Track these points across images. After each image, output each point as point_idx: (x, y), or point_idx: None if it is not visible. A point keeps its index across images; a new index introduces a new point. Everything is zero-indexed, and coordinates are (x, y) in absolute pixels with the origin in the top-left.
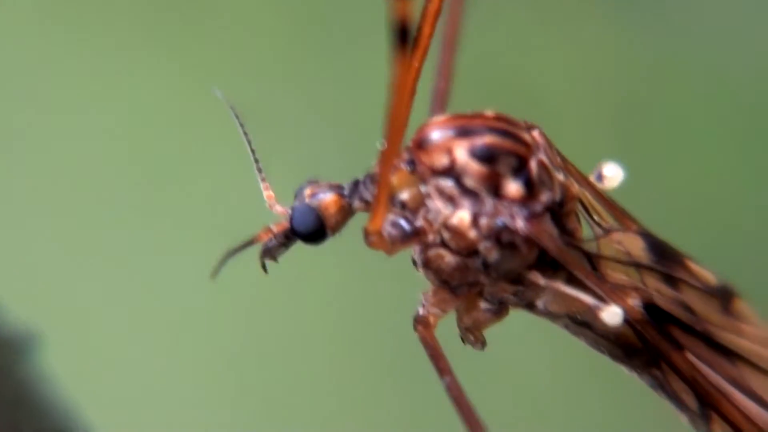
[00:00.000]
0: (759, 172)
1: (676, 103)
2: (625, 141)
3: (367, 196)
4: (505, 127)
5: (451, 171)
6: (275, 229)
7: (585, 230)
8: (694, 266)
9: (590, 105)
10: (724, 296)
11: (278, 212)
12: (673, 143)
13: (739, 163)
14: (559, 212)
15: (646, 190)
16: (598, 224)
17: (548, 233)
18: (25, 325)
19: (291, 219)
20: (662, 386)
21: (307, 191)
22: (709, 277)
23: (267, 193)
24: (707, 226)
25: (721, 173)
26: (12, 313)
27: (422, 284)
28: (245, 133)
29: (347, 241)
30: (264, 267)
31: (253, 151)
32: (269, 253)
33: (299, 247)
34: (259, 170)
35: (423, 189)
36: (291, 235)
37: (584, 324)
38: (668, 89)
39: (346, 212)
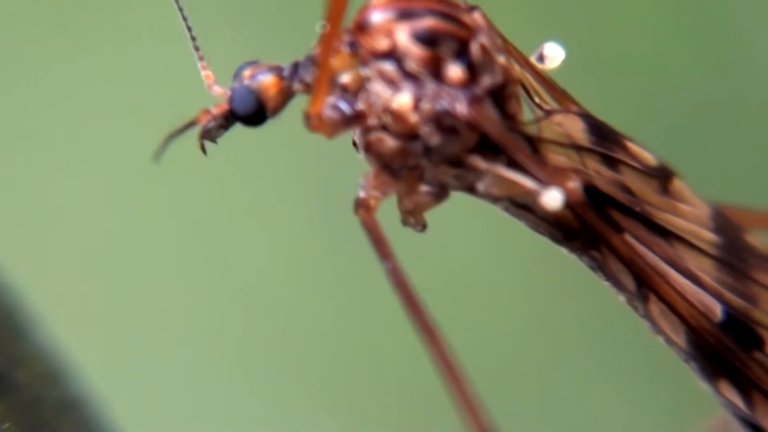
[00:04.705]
0: (699, 48)
1: None
2: (566, 20)
3: (308, 78)
4: (446, 9)
5: (393, 54)
6: (214, 110)
7: (525, 112)
8: (633, 147)
9: None
10: (662, 176)
11: (217, 93)
12: (614, 23)
13: (678, 39)
14: (500, 95)
15: (586, 70)
16: (539, 106)
17: (489, 117)
18: None
19: (230, 101)
20: (601, 268)
21: (247, 73)
22: (648, 157)
23: (205, 74)
24: (647, 104)
25: (660, 50)
26: None
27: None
28: (181, 9)
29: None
30: (203, 149)
31: (189, 29)
32: (209, 134)
33: None
34: (197, 49)
35: (364, 72)
36: (230, 117)
37: (525, 207)
38: None
39: (286, 94)
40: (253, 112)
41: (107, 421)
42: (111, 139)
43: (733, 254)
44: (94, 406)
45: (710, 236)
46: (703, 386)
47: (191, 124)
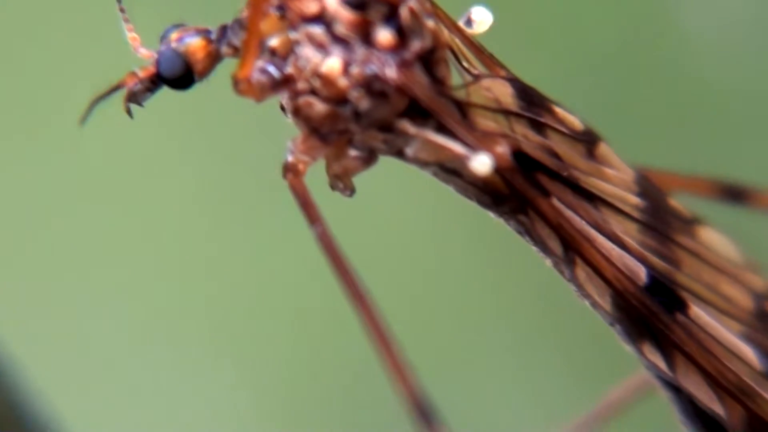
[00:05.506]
0: (629, 12)
1: None
2: None
3: (236, 41)
4: None
5: (322, 18)
6: (141, 73)
7: (454, 77)
8: (560, 111)
9: None
10: (588, 141)
11: (143, 56)
12: None
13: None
14: (429, 60)
15: (515, 34)
16: (468, 71)
17: (418, 81)
18: None
19: (157, 64)
20: (528, 232)
21: (174, 35)
22: (575, 122)
23: (131, 35)
24: (575, 68)
25: (591, 14)
26: None
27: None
28: None
29: None
30: (129, 112)
31: None
32: (135, 97)
33: None
34: (122, 11)
35: (293, 35)
36: (157, 80)
37: (453, 172)
38: None
39: (213, 58)
40: (180, 76)
41: (30, 389)
42: (35, 102)
43: (657, 218)
44: (16, 375)
45: (635, 200)
46: (627, 348)
47: (117, 87)
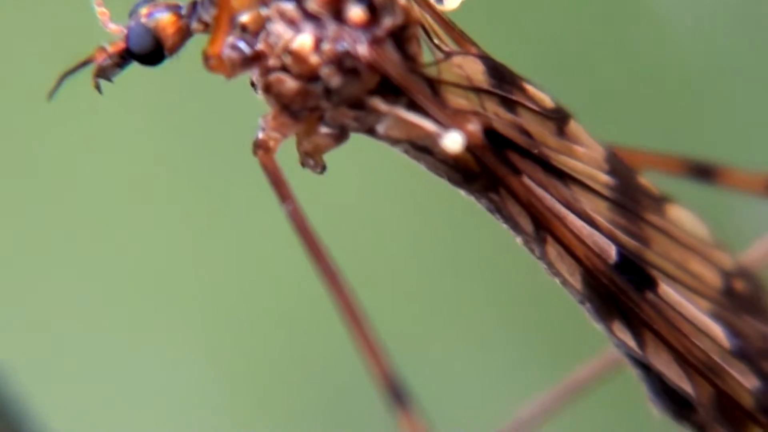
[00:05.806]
0: None
1: None
2: None
3: (206, 17)
4: None
5: None
6: (110, 49)
7: (426, 54)
8: (530, 89)
9: None
10: (558, 118)
11: (112, 31)
12: None
13: None
14: (400, 37)
15: (486, 10)
16: (439, 48)
17: (390, 59)
18: None
19: (127, 39)
20: (499, 210)
21: (143, 10)
22: (545, 99)
23: (100, 10)
24: (547, 47)
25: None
26: None
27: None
28: None
29: None
30: (98, 88)
31: None
32: (104, 73)
33: None
34: None
35: (264, 12)
36: (127, 56)
37: (424, 149)
38: None
39: (184, 33)
40: (150, 51)
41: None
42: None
43: (626, 196)
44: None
45: (605, 178)
46: (597, 327)
47: (86, 63)
